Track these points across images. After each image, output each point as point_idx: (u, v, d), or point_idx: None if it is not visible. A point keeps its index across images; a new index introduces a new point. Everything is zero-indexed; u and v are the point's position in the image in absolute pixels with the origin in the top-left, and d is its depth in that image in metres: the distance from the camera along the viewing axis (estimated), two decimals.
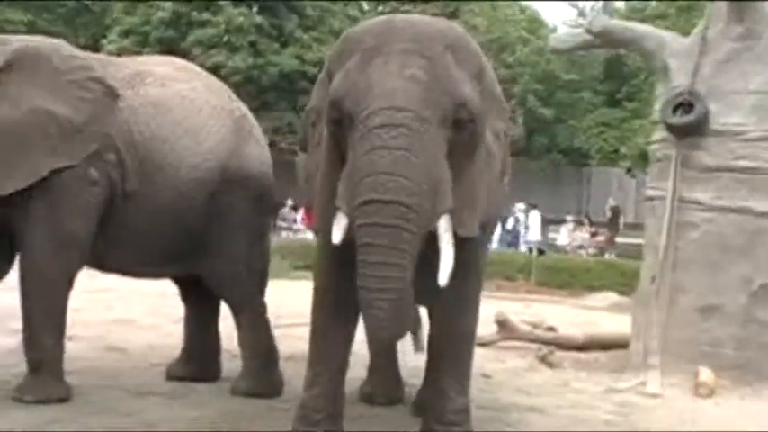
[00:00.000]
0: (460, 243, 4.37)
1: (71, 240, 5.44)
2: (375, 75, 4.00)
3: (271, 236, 6.54)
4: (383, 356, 6.15)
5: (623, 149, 25.53)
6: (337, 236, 4.09)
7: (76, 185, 5.41)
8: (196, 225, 5.82)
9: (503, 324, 8.75)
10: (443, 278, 4.09)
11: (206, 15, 25.93)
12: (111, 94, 5.55)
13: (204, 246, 5.89)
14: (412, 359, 6.16)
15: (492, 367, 7.43)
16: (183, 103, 5.86)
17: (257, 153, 6.15)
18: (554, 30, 28.52)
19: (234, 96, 6.32)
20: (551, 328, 9.22)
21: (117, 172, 5.55)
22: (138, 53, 25.73)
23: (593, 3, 27.00)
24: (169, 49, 25.91)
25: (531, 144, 27.08)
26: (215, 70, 25.02)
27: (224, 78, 27.95)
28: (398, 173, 3.88)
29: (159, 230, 5.73)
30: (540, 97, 29.25)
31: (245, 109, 6.31)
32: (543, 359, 8.00)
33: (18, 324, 5.53)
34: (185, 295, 6.46)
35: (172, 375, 6.30)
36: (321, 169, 4.43)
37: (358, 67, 4.08)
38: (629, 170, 27.16)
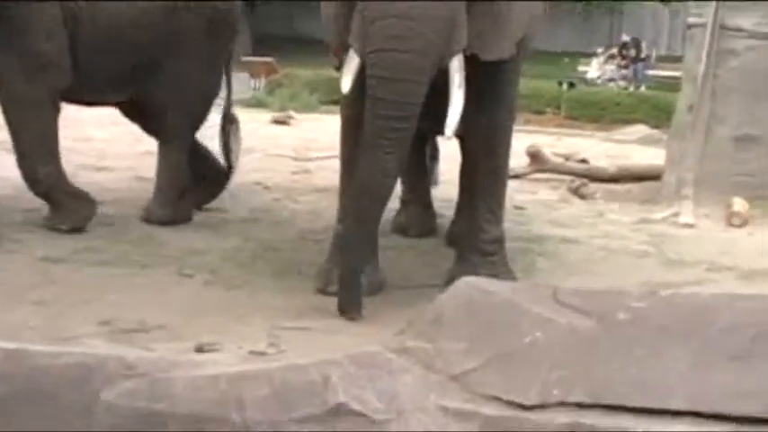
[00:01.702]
0: (490, 69, 4.28)
1: (43, 61, 5.29)
2: None
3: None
4: (415, 188, 6.14)
5: None
6: (347, 83, 4.06)
7: (33, 6, 5.19)
8: (150, 47, 5.64)
9: (535, 156, 8.68)
10: (450, 128, 4.06)
11: None
12: None
13: (153, 69, 5.72)
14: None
15: (525, 199, 7.40)
16: None
17: None
18: None
19: None
20: (583, 160, 9.14)
21: None
22: None
23: None
24: None
25: None
26: None
27: None
28: (411, 16, 3.76)
29: (113, 53, 5.52)
30: None
31: None
32: (576, 191, 7.96)
33: None
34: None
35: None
36: None
37: None
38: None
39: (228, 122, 6.38)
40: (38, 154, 5.40)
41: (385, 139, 3.91)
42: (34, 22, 5.24)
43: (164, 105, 5.87)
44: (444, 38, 3.90)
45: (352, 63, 4.03)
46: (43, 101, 5.38)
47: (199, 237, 5.59)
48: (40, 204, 5.60)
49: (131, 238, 5.44)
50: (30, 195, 5.53)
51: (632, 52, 23.54)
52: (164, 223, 5.78)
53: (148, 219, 5.84)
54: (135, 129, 6.49)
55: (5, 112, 5.39)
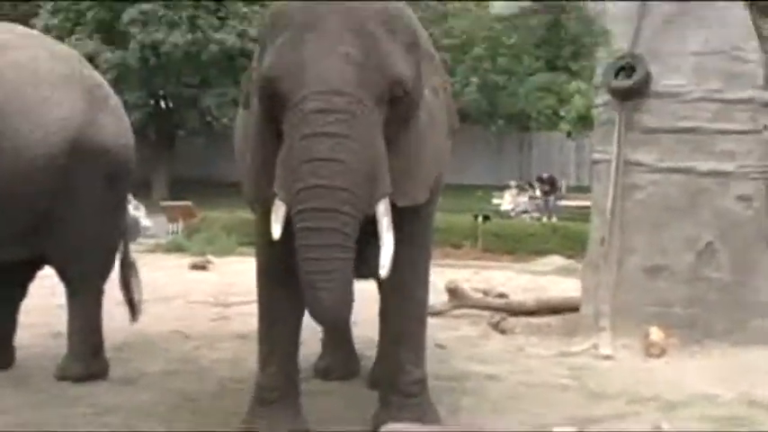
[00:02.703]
0: (406, 213, 4.36)
1: None
2: (308, 53, 3.90)
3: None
4: (337, 331, 6.12)
5: (562, 112, 25.64)
6: (277, 230, 4.02)
7: None
8: (42, 203, 5.47)
9: (454, 292, 8.75)
10: (384, 269, 4.06)
11: None
12: None
13: (50, 223, 5.56)
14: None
15: (445, 336, 7.43)
16: (20, 73, 5.40)
17: (113, 124, 5.82)
18: None
19: (87, 64, 5.99)
20: (502, 295, 9.25)
21: None
22: (71, 32, 25.11)
23: None
24: (105, 27, 25.29)
25: (477, 109, 27.02)
26: (154, 48, 24.61)
27: (165, 56, 27.05)
28: (336, 158, 3.83)
29: (5, 210, 5.29)
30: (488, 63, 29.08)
31: (99, 78, 6.00)
32: (496, 326, 8.02)
33: None
34: None
35: None
36: (252, 142, 4.37)
37: (290, 43, 3.96)
38: (569, 133, 27.35)
39: (127, 269, 6.27)
40: None
41: (322, 274, 3.81)
42: None
43: (67, 259, 5.73)
44: (369, 179, 3.94)
45: (280, 211, 4.04)
46: None
47: (115, 392, 5.47)
48: None
49: (44, 397, 5.28)
50: None
51: (546, 188, 24.28)
52: (79, 380, 5.62)
53: (63, 376, 5.67)
54: (47, 282, 6.38)
55: None
